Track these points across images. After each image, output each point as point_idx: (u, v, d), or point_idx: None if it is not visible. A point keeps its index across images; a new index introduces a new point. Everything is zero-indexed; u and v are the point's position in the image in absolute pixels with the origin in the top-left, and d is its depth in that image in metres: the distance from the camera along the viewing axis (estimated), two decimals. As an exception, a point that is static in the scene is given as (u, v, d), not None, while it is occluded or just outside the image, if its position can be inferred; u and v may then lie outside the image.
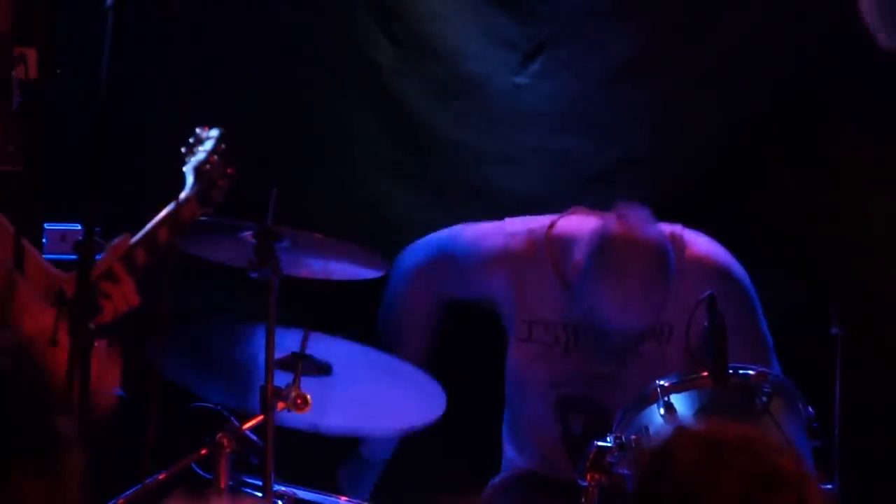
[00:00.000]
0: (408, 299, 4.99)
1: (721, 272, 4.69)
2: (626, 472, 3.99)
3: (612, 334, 4.67)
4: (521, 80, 5.45)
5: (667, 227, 4.65)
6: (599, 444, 4.12)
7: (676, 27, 5.47)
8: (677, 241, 4.64)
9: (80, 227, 4.33)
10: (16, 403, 2.39)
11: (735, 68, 5.48)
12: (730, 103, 5.36)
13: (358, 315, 4.96)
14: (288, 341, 4.44)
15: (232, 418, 4.36)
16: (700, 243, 4.68)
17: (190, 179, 4.33)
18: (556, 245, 4.76)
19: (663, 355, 4.62)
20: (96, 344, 3.95)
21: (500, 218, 4.98)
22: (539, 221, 4.86)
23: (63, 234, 4.77)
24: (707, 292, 4.25)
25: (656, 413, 4.17)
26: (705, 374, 4.13)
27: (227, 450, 4.24)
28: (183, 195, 4.27)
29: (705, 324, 4.23)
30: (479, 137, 5.43)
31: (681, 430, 2.52)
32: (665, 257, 4.54)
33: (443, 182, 5.41)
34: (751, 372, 4.15)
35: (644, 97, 5.13)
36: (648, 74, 5.20)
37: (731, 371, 4.12)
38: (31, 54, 4.74)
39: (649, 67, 5.26)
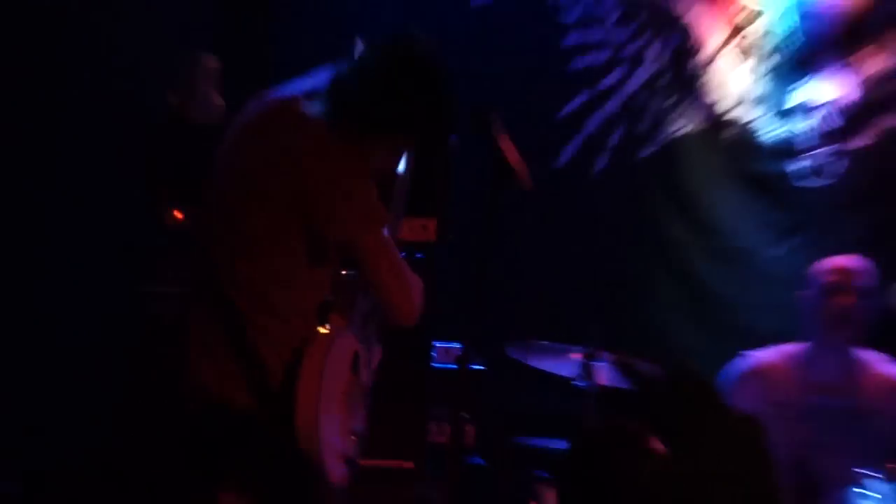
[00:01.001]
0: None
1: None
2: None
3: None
4: (777, 252, 5.98)
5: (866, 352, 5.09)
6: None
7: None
8: (871, 359, 5.06)
9: (459, 345, 4.93)
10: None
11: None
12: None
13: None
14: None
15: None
16: (889, 365, 5.10)
17: None
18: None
19: (864, 435, 5.00)
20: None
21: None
22: None
23: (447, 350, 5.25)
24: None
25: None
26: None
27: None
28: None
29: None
30: (745, 293, 5.96)
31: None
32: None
33: (714, 323, 5.93)
34: None
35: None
36: (872, 250, 5.28)
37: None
38: (431, 224, 5.09)
39: (875, 249, 5.38)
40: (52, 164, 5.66)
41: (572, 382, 4.96)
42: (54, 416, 5.53)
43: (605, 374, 4.98)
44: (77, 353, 5.53)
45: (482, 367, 5.21)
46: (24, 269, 5.66)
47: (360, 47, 3.87)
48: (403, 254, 4.55)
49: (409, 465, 4.97)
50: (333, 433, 3.87)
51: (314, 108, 3.77)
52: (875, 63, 6.11)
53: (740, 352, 5.28)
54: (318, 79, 3.84)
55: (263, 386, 3.83)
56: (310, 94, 3.80)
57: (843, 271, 5.12)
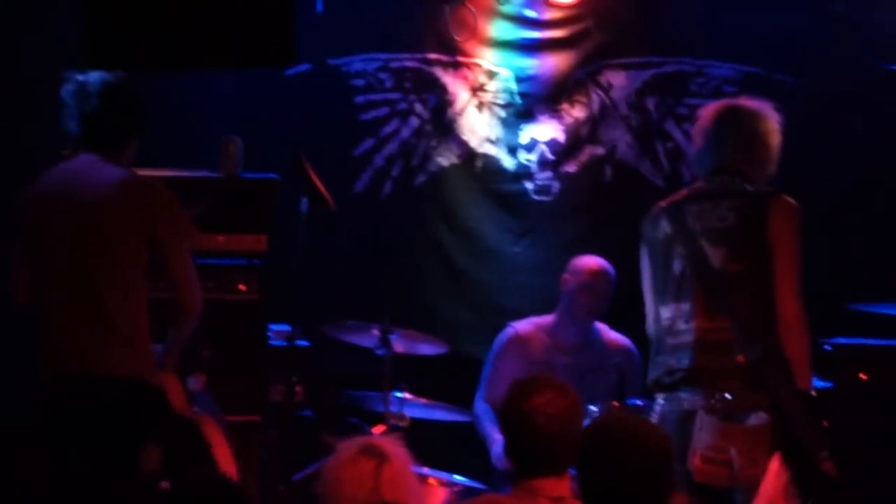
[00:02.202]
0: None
1: (627, 347, 5.69)
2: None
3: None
4: (517, 249, 6.46)
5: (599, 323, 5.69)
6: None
7: (601, 222, 6.40)
8: (601, 328, 5.70)
9: (288, 327, 5.03)
10: None
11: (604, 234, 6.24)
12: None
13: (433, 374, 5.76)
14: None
15: (366, 427, 5.25)
16: (612, 332, 5.74)
17: None
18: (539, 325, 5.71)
19: (596, 383, 5.55)
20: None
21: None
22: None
23: (279, 331, 5.26)
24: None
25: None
26: (617, 404, 5.11)
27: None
28: None
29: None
30: (495, 278, 6.40)
31: None
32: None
33: (476, 303, 6.33)
34: (639, 402, 5.05)
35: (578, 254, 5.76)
36: (587, 249, 5.85)
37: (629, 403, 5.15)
38: (263, 239, 5.17)
39: (585, 244, 6.03)
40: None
41: (373, 351, 5.40)
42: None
43: (397, 343, 5.38)
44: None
45: (306, 343, 5.36)
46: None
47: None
48: (244, 260, 5.11)
49: (255, 418, 5.11)
50: None
51: (84, 157, 4.29)
52: (574, 111, 6.50)
53: (499, 323, 5.79)
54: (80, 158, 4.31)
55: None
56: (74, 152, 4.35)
57: (599, 275, 5.58)
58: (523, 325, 5.71)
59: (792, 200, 4.30)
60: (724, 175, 4.41)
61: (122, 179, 4.24)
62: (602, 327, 5.70)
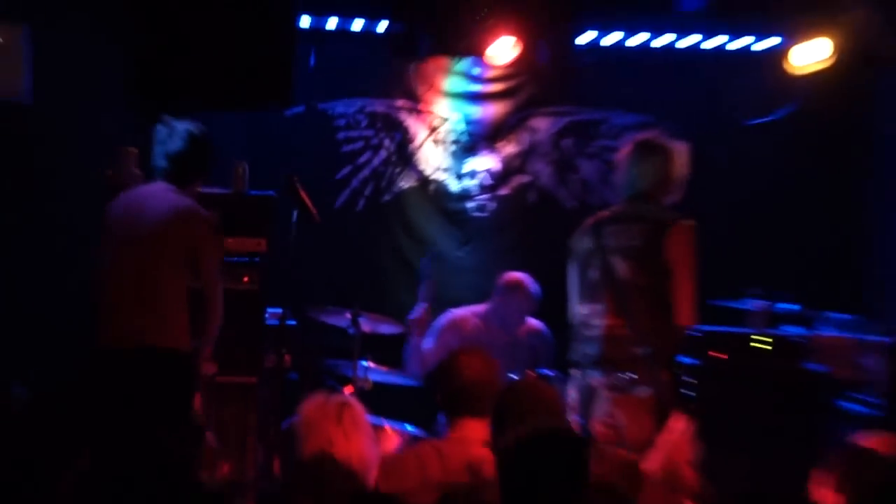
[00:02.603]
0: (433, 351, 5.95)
1: (541, 331, 6.21)
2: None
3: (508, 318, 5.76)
4: (460, 253, 7.03)
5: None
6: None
7: (526, 234, 6.95)
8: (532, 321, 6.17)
9: (280, 310, 5.24)
10: None
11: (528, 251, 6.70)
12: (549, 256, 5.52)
13: (391, 348, 6.07)
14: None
15: (338, 387, 5.46)
16: (532, 318, 6.23)
17: None
18: (476, 314, 6.21)
19: (516, 356, 5.98)
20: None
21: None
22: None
23: (273, 312, 5.54)
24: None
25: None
26: (531, 373, 5.43)
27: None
28: None
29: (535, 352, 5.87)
30: (444, 277, 6.65)
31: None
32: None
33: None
34: (549, 373, 5.46)
35: (511, 263, 6.32)
36: (514, 255, 6.57)
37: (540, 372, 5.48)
38: (263, 242, 5.41)
39: (513, 252, 6.71)
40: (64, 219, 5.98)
41: (346, 329, 5.70)
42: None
43: (364, 324, 5.64)
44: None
45: (294, 322, 5.60)
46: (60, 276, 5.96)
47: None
48: (248, 258, 5.46)
49: (253, 379, 5.46)
50: None
51: (160, 184, 4.72)
52: (508, 148, 7.09)
53: (444, 311, 6.27)
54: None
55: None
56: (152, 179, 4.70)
57: (528, 298, 5.89)
58: (461, 311, 6.22)
59: (688, 223, 4.51)
60: (638, 201, 4.66)
61: (182, 207, 4.71)
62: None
